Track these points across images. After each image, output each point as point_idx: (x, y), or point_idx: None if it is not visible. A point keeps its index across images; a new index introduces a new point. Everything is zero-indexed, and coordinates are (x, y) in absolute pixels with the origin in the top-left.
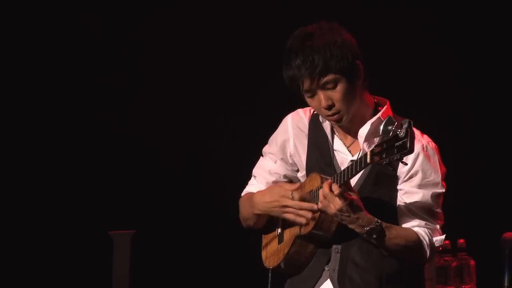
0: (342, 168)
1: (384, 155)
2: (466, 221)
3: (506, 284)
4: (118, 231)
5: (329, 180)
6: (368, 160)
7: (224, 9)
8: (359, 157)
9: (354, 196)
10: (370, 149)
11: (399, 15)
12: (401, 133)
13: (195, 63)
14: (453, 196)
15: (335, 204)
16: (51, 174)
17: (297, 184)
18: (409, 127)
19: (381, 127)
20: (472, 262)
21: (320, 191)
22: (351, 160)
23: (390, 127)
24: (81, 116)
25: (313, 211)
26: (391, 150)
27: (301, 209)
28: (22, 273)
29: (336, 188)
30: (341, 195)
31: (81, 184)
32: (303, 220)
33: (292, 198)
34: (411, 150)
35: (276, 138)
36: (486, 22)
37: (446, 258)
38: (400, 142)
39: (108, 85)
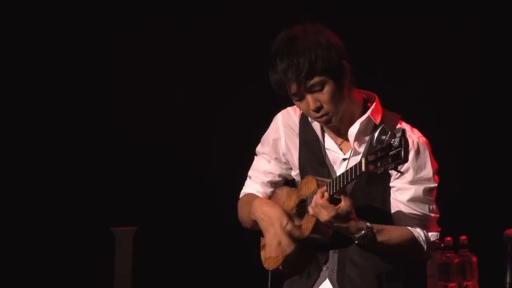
0: (334, 167)
1: (379, 164)
2: (468, 218)
3: (508, 280)
4: (120, 227)
5: (324, 188)
6: (363, 168)
7: (211, 5)
8: (353, 164)
9: (343, 205)
10: (364, 158)
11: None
12: (395, 142)
13: (189, 63)
14: (455, 193)
15: (323, 215)
16: (53, 171)
17: (292, 222)
18: (403, 135)
19: (375, 136)
20: (474, 259)
21: (313, 198)
22: (343, 159)
23: (383, 137)
24: (84, 112)
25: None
26: (386, 159)
27: (279, 242)
28: (24, 270)
29: (320, 199)
30: (325, 207)
31: (83, 181)
32: (272, 254)
33: (285, 227)
34: (405, 160)
35: (268, 138)
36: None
37: (448, 254)
38: (394, 152)
39: (109, 81)
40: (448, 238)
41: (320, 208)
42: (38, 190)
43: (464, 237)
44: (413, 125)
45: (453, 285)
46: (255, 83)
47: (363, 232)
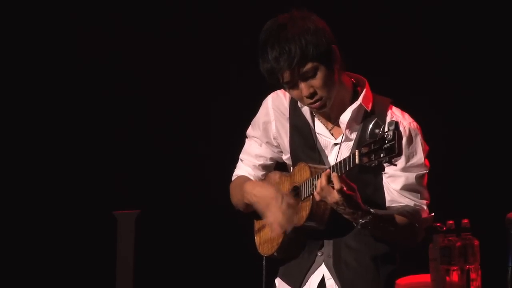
0: (326, 152)
1: (372, 157)
2: (471, 201)
3: (510, 263)
4: (122, 211)
5: (328, 170)
6: (357, 161)
7: None
8: (347, 156)
9: (352, 191)
10: (358, 150)
11: None
12: (389, 135)
13: (181, 55)
14: (457, 176)
15: (332, 198)
16: (54, 154)
17: (287, 198)
18: (396, 128)
19: (369, 129)
20: (476, 242)
21: (318, 182)
22: (335, 144)
23: (377, 131)
24: (83, 96)
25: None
26: (379, 152)
27: (279, 220)
28: (25, 254)
29: (336, 183)
30: (339, 191)
31: (85, 164)
32: (273, 234)
33: (281, 202)
34: (399, 154)
35: (258, 121)
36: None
37: (450, 238)
38: (388, 145)
39: (109, 66)
40: (450, 222)
41: (329, 190)
42: (40, 174)
43: (466, 220)
44: (406, 108)
45: (455, 268)
46: (245, 65)
47: (368, 218)
